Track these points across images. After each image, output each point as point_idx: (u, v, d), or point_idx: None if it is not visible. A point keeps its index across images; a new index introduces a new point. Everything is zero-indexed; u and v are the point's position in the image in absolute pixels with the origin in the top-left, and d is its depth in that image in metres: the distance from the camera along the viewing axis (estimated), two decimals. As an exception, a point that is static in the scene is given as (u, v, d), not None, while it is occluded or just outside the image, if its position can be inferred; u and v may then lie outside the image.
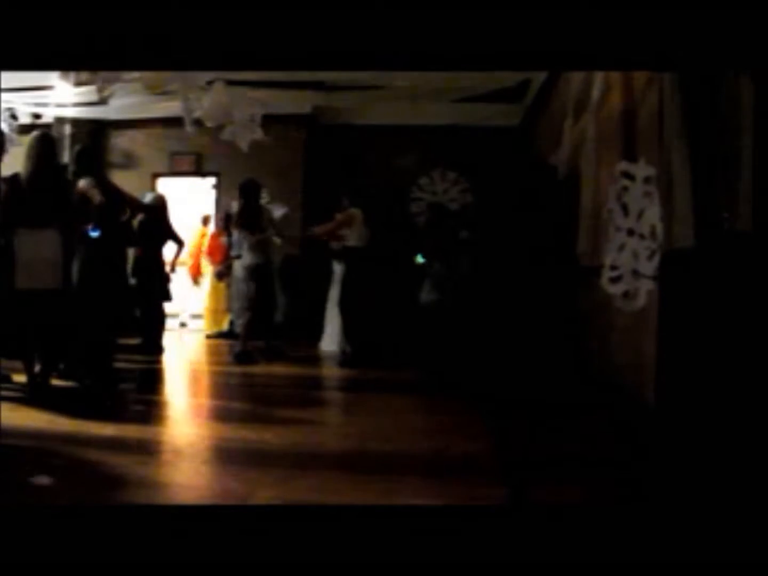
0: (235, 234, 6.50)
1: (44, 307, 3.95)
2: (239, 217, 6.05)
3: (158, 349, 6.13)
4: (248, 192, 6.01)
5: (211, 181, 8.65)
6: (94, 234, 4.44)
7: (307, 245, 7.73)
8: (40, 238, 3.97)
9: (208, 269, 8.13)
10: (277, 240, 6.44)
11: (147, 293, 6.06)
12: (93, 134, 7.96)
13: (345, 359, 5.84)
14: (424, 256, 6.14)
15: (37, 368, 4.13)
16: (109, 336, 4.64)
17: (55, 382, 4.19)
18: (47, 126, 7.16)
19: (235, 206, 7.27)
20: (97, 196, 4.39)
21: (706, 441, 2.46)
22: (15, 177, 4.04)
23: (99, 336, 4.48)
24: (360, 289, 5.98)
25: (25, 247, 3.95)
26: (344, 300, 6.04)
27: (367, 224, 6.00)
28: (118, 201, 4.78)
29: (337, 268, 6.55)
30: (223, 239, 7.50)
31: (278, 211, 6.75)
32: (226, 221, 7.38)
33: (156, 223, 6.20)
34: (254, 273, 5.97)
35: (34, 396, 3.91)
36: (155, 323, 6.20)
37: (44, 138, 4.18)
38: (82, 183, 4.45)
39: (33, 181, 4.01)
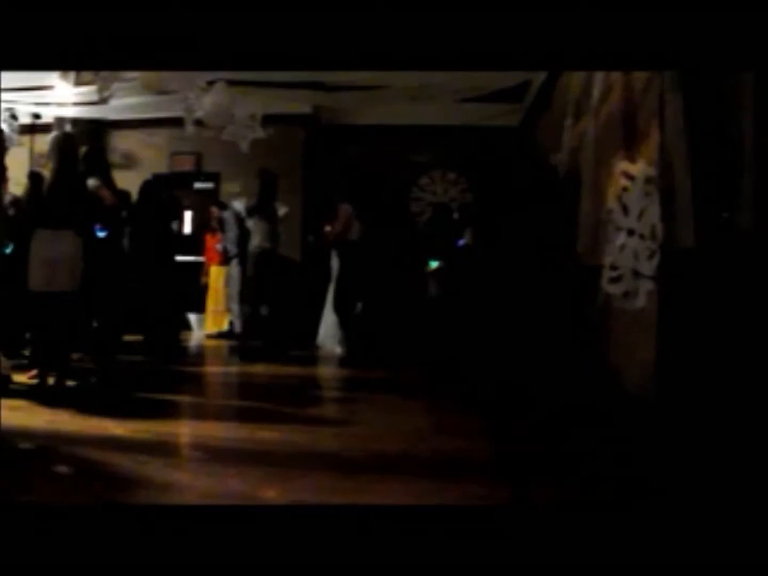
0: (231, 232, 6.51)
1: (59, 310, 3.84)
2: (257, 204, 6.10)
3: (175, 350, 6.11)
4: (267, 180, 6.06)
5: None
6: (101, 234, 4.43)
7: (309, 247, 7.78)
8: (59, 239, 3.87)
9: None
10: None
11: (159, 293, 6.04)
12: (93, 134, 7.95)
13: (341, 357, 5.84)
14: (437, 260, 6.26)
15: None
16: (113, 335, 4.63)
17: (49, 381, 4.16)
18: (47, 126, 7.16)
19: (215, 211, 7.39)
20: (108, 197, 4.39)
21: (705, 440, 2.46)
22: (37, 175, 3.98)
23: (103, 335, 4.48)
24: (355, 284, 5.99)
25: (43, 247, 3.85)
26: (339, 296, 6.05)
27: (358, 218, 6.06)
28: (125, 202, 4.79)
29: (335, 264, 6.57)
30: (219, 244, 7.55)
31: (279, 211, 6.77)
32: (221, 223, 7.42)
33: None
34: (261, 258, 5.92)
35: (45, 398, 3.80)
36: (168, 323, 6.17)
37: (67, 138, 4.13)
38: (92, 183, 4.41)
39: (56, 181, 3.92)
